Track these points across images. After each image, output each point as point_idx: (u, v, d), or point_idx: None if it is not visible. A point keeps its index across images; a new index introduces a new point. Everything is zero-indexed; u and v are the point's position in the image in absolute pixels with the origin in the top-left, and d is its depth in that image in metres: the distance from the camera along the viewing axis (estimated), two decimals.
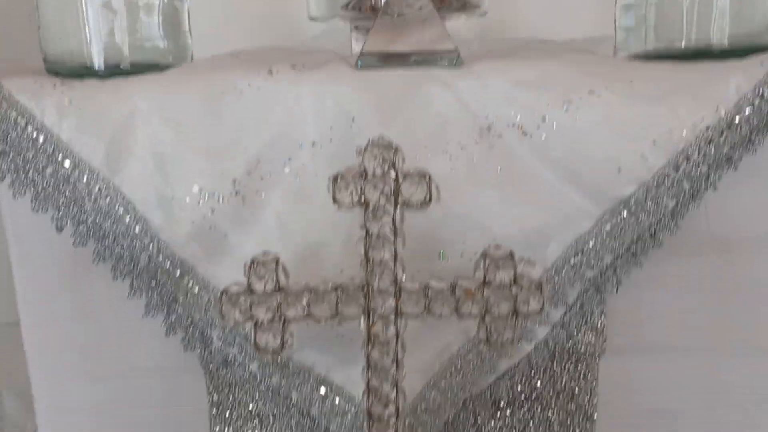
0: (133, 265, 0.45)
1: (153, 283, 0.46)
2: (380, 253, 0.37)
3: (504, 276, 0.37)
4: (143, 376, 0.50)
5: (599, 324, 0.48)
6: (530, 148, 0.43)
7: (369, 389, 0.40)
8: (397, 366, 0.39)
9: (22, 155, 0.44)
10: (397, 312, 0.38)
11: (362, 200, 0.37)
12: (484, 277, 0.37)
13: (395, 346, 0.39)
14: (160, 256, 0.44)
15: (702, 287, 0.49)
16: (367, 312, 0.38)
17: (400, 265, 0.38)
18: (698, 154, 0.42)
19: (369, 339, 0.39)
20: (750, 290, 0.49)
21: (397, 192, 0.36)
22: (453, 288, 0.38)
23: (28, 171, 0.44)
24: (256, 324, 0.38)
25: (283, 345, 0.38)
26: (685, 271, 0.48)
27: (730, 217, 0.47)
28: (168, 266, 0.44)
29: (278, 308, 0.38)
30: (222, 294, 0.38)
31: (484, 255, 0.37)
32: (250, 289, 0.38)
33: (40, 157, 0.44)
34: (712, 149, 0.42)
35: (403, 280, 0.38)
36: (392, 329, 0.38)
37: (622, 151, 0.42)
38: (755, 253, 0.48)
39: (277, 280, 0.38)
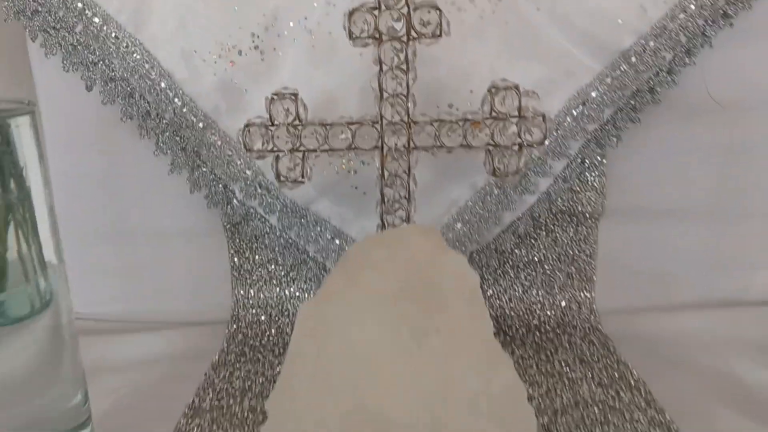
0: (159, 120, 0.48)
1: (178, 139, 0.48)
2: (393, 85, 0.40)
3: (509, 105, 0.39)
4: (169, 239, 0.54)
5: (599, 185, 0.51)
6: (537, 3, 0.45)
7: (384, 227, 0.42)
8: (409, 199, 0.42)
9: (53, 14, 0.46)
10: (409, 145, 0.41)
11: (376, 34, 0.39)
12: (491, 109, 0.40)
13: (407, 180, 0.42)
14: (185, 109, 0.47)
15: (700, 150, 0.51)
16: (381, 145, 0.41)
17: (411, 99, 0.40)
18: (695, 5, 0.44)
19: (382, 173, 0.42)
20: (748, 153, 0.51)
21: (409, 24, 0.39)
22: (461, 121, 0.40)
23: (59, 29, 0.47)
24: (277, 156, 0.41)
25: (303, 174, 0.41)
26: (683, 133, 0.51)
27: (729, 80, 0.49)
28: (192, 119, 0.47)
29: (298, 139, 0.40)
30: (246, 126, 0.40)
31: (491, 87, 0.40)
32: (271, 122, 0.40)
33: (70, 15, 0.46)
34: (709, 1, 0.44)
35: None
36: (404, 162, 0.41)
37: (622, 3, 0.45)
38: (753, 116, 0.50)
39: (297, 114, 0.40)
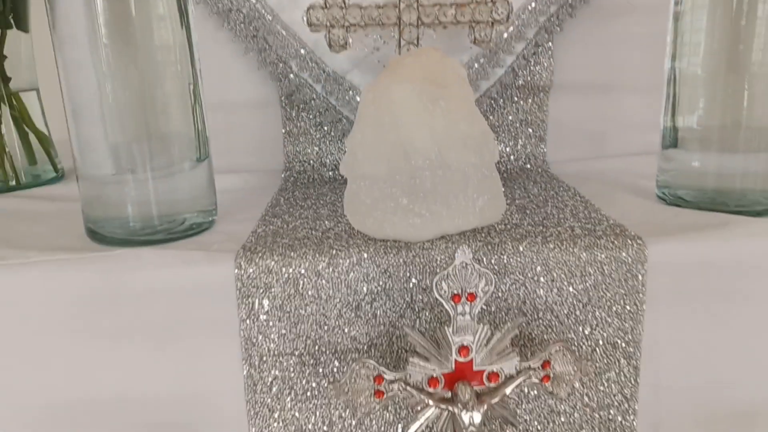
0: (237, 14, 0.68)
1: (251, 29, 0.68)
2: None
3: None
4: (235, 109, 0.73)
5: (549, 64, 0.72)
6: None
7: None
8: None
9: None
10: (418, 22, 0.61)
11: None
12: None
13: (416, 45, 0.62)
14: (258, 5, 0.66)
15: (628, 38, 0.72)
16: (399, 22, 0.61)
17: None
18: None
19: (399, 43, 0.62)
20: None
21: None
22: (453, 4, 0.61)
23: None
24: (329, 29, 0.61)
25: (346, 43, 0.61)
26: (611, 25, 0.72)
27: None
28: (263, 12, 0.67)
29: (344, 17, 0.60)
30: (308, 8, 0.60)
31: None
32: (325, 4, 0.60)
33: None
34: None
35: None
36: (415, 32, 0.61)
37: None
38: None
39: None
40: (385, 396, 0.44)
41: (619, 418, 0.52)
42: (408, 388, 0.44)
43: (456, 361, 0.44)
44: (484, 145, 0.49)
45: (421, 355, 0.45)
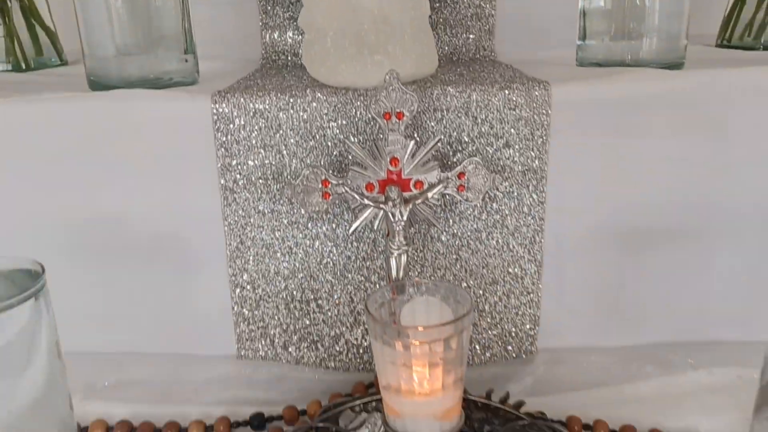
0: None
1: None
2: None
3: None
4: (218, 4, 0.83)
5: None
6: None
7: None
8: None
9: None
10: None
11: None
12: None
13: None
14: None
15: None
16: None
17: None
18: None
19: None
20: None
21: None
22: None
23: None
24: None
25: None
26: None
27: None
28: None
29: None
30: None
31: None
32: None
33: None
34: None
35: None
36: None
37: None
38: None
39: None
40: (331, 197, 0.55)
41: (530, 235, 0.63)
42: (349, 191, 0.55)
43: (388, 170, 0.55)
44: (417, 3, 0.60)
45: (360, 165, 0.55)
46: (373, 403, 0.56)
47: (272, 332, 0.66)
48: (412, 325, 0.46)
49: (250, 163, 0.60)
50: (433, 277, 0.63)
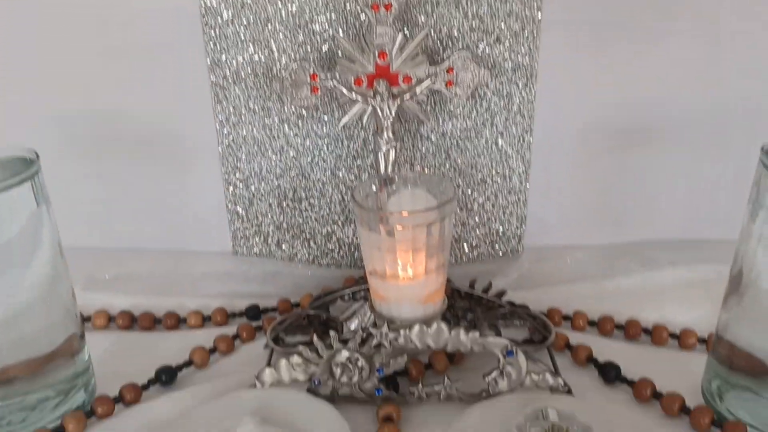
0: None
1: None
2: None
3: None
4: None
5: None
6: None
7: None
8: None
9: None
10: None
11: None
12: None
13: None
14: None
15: None
16: None
17: None
18: None
19: None
20: None
21: None
22: None
23: None
24: None
25: None
26: None
27: None
28: None
29: None
30: None
31: None
32: None
33: None
34: None
35: None
36: None
37: None
38: None
39: None
40: (319, 91, 0.56)
41: (519, 134, 0.64)
42: (338, 85, 0.55)
43: (376, 63, 0.55)
44: None
45: (348, 58, 0.55)
46: (362, 293, 0.58)
47: (266, 230, 0.68)
48: (396, 211, 0.48)
49: (240, 58, 0.60)
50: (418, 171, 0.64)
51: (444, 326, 0.48)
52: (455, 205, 0.48)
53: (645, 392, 0.50)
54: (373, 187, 0.51)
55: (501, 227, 0.68)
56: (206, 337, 0.58)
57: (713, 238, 0.67)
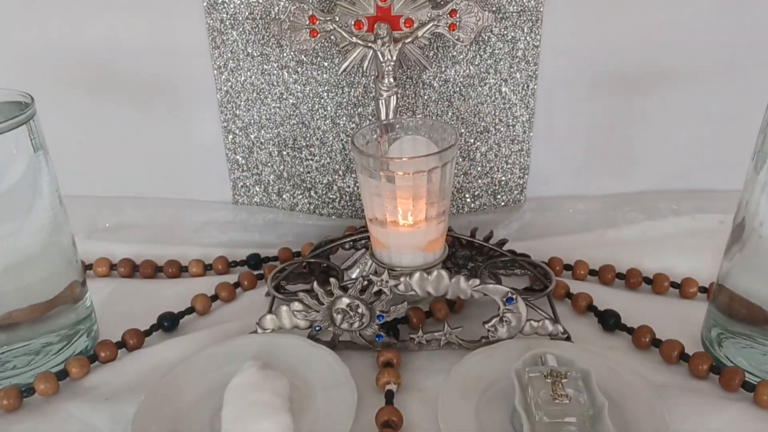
0: None
1: None
2: None
3: None
4: None
5: None
6: None
7: None
8: None
9: None
10: None
11: None
12: None
13: None
14: None
15: None
16: None
17: None
18: None
19: None
20: None
21: None
22: None
23: None
24: None
25: None
26: None
27: None
28: None
29: None
30: None
31: None
32: None
33: None
34: None
35: None
36: None
37: None
38: None
39: None
40: (318, 35, 0.54)
41: (523, 81, 0.62)
42: (337, 28, 0.54)
43: (377, 5, 0.53)
44: None
45: (348, 0, 0.54)
46: (363, 242, 0.58)
47: (266, 179, 0.67)
48: (397, 156, 0.47)
49: (237, 1, 0.58)
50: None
51: (444, 273, 0.47)
52: (456, 151, 0.47)
53: (644, 339, 0.50)
54: (374, 134, 0.50)
55: (503, 177, 0.67)
56: (207, 285, 0.59)
57: (718, 187, 0.67)
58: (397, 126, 0.51)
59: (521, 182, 0.68)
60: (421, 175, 0.45)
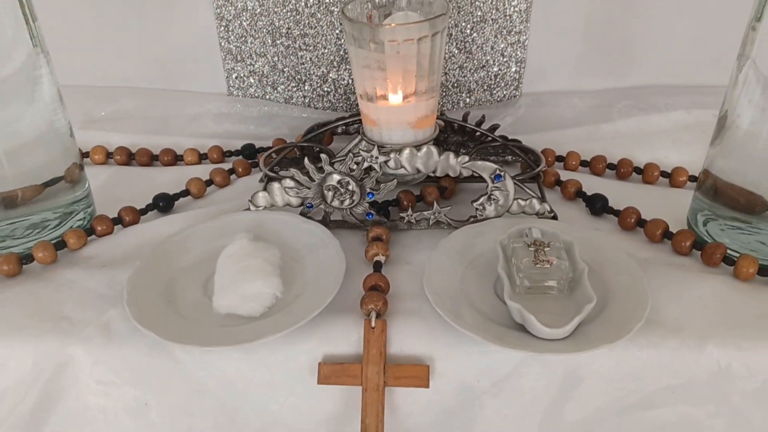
0: None
1: None
2: None
3: None
4: None
5: None
6: None
7: None
8: None
9: None
10: None
11: None
12: None
13: None
14: None
15: None
16: None
17: None
18: None
19: None
20: None
21: None
22: None
23: None
24: None
25: None
26: None
27: None
28: None
29: None
30: None
31: None
32: None
33: None
34: None
35: None
36: None
37: None
38: None
39: None
40: None
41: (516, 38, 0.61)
42: None
43: None
44: None
45: None
46: (355, 126, 0.58)
47: (260, 71, 0.67)
48: (387, 23, 0.47)
49: None
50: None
51: (434, 149, 0.48)
52: (446, 21, 0.46)
53: (630, 220, 0.51)
54: (365, 9, 0.49)
55: (500, 71, 0.67)
56: (202, 171, 0.59)
57: (714, 83, 0.66)
58: (390, 3, 0.50)
59: (517, 76, 0.67)
60: (410, 43, 0.45)
